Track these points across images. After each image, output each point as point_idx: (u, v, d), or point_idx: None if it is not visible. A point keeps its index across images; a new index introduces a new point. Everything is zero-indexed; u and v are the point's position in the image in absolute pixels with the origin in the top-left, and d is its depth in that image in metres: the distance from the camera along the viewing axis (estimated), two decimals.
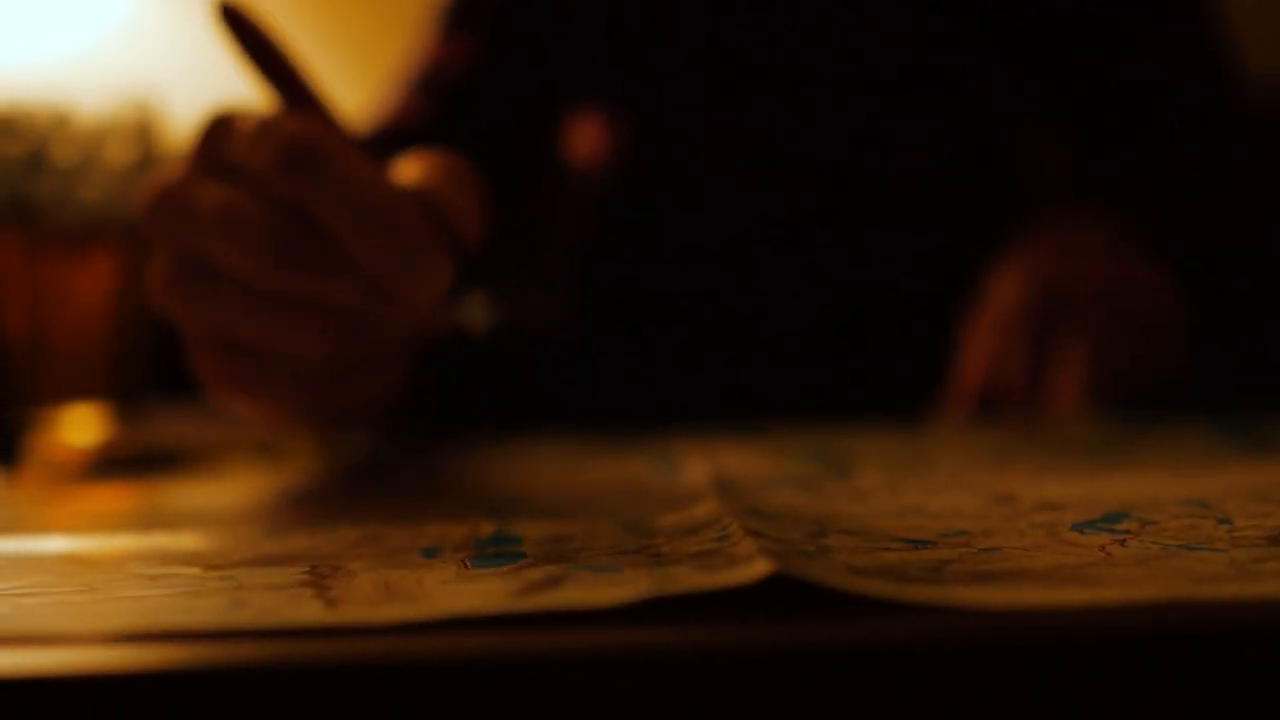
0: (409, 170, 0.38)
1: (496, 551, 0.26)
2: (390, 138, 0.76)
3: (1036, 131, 0.83)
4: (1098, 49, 0.79)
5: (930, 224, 0.79)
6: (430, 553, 0.27)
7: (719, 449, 0.45)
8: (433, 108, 0.77)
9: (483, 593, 0.22)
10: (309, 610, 0.21)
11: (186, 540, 0.29)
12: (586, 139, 0.81)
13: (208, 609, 0.21)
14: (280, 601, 0.21)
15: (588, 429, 0.53)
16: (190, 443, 0.55)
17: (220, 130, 0.37)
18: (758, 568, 0.20)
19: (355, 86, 0.81)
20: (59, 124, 0.55)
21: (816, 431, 0.52)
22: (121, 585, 0.24)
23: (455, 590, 0.22)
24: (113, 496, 0.42)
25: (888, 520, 0.29)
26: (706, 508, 0.30)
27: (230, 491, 0.41)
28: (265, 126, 0.35)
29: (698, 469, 0.39)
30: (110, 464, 0.51)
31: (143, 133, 0.57)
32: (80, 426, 0.53)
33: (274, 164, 0.34)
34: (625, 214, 0.82)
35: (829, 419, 0.56)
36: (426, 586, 0.22)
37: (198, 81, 1.06)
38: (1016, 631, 0.18)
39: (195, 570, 0.25)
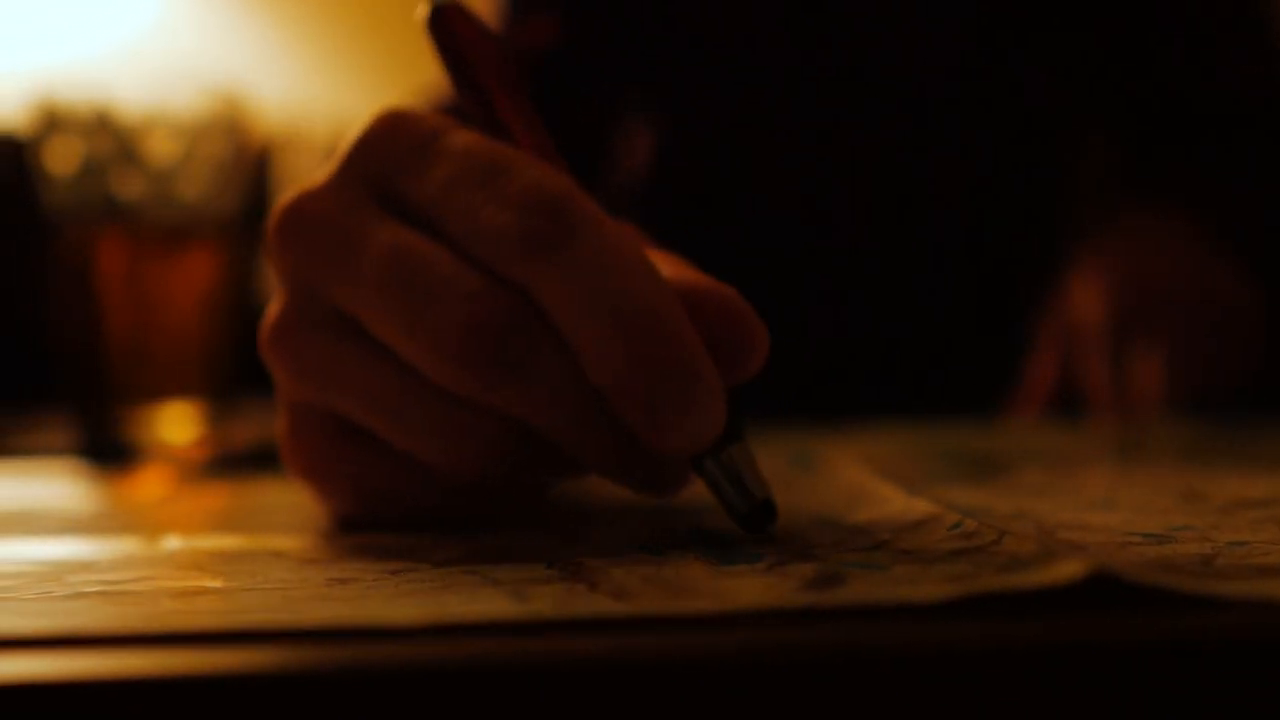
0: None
1: (722, 550, 0.26)
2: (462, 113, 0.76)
3: (1085, 133, 0.83)
4: (1159, 53, 0.79)
5: (978, 228, 0.79)
6: (649, 549, 0.26)
7: (849, 445, 0.45)
8: None
9: (767, 587, 0.21)
10: (601, 603, 0.20)
11: (378, 537, 0.29)
12: (632, 145, 0.81)
13: (490, 600, 0.21)
14: (562, 594, 0.21)
15: None
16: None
17: (399, 144, 0.27)
18: (1072, 567, 0.20)
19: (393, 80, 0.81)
20: (152, 120, 0.54)
21: (914, 429, 0.52)
22: (368, 581, 0.23)
23: (730, 585, 0.22)
24: (239, 493, 0.42)
25: (1093, 515, 0.28)
26: (901, 504, 0.30)
27: None
28: (489, 161, 0.26)
29: (846, 466, 0.39)
30: (218, 461, 0.51)
31: (233, 128, 0.56)
32: (177, 424, 0.53)
33: (504, 225, 0.24)
34: (669, 218, 0.82)
35: (877, 419, 0.56)
36: (695, 581, 0.22)
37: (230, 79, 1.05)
38: None
39: (426, 565, 0.25)
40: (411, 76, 0.82)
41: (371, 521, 0.30)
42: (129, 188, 0.53)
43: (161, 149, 0.53)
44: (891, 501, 0.30)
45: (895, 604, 0.19)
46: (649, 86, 0.80)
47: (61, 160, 0.53)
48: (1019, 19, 0.79)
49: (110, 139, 0.53)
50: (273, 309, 0.28)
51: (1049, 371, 0.63)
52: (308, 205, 0.27)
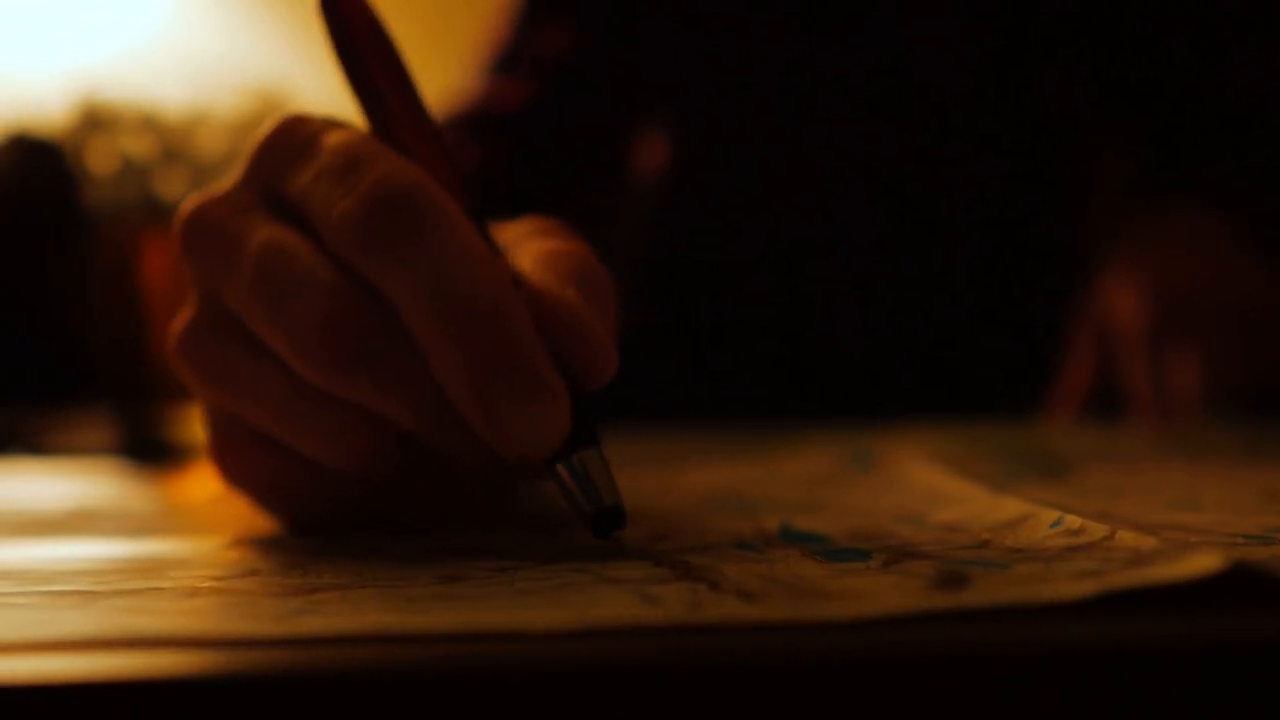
0: (525, 252, 0.27)
1: (824, 549, 0.26)
2: (483, 122, 0.76)
3: (1106, 133, 0.83)
4: (1180, 53, 0.79)
5: (990, 237, 0.79)
6: (747, 545, 0.26)
7: (905, 443, 0.44)
8: (530, 90, 0.76)
9: (894, 587, 0.21)
10: (731, 607, 0.20)
11: (468, 534, 0.29)
12: (648, 153, 0.81)
13: (618, 601, 0.21)
14: (688, 595, 0.21)
15: (652, 430, 0.52)
16: None
17: (287, 145, 0.27)
18: (1208, 560, 0.20)
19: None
20: (195, 119, 0.54)
21: (969, 427, 0.52)
22: (479, 579, 0.23)
23: (856, 586, 0.22)
24: None
25: (1183, 516, 0.28)
26: (986, 502, 0.30)
27: None
28: (350, 156, 0.26)
29: (913, 464, 0.39)
30: None
31: None
32: None
33: (353, 217, 0.25)
34: (685, 226, 0.82)
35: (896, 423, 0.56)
36: (817, 581, 0.22)
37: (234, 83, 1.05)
38: None
39: (531, 563, 0.25)
40: (443, 78, 0.81)
41: (316, 527, 0.29)
42: (171, 187, 0.53)
43: (204, 148, 0.53)
44: (975, 500, 0.30)
45: (1039, 603, 0.19)
46: (665, 91, 0.80)
47: (103, 159, 0.53)
48: (1038, 20, 0.79)
49: (153, 138, 0.53)
50: (181, 314, 0.29)
51: (1084, 373, 0.64)
52: (205, 211, 0.28)
